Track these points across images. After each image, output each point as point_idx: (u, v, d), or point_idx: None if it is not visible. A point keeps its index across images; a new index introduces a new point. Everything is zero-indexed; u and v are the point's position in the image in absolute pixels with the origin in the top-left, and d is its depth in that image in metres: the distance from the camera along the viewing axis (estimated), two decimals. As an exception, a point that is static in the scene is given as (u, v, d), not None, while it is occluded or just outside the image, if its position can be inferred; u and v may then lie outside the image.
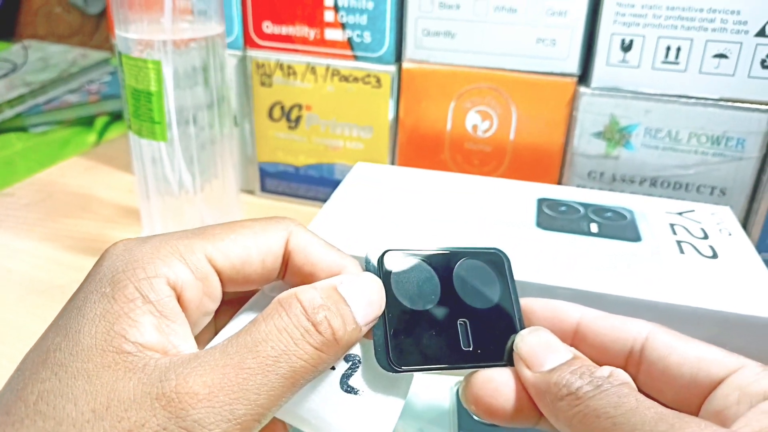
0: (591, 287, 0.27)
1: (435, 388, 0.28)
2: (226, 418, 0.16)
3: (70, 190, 0.49)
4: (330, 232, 0.31)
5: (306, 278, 0.20)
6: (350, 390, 0.20)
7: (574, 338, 0.21)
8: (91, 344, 0.17)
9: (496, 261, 0.23)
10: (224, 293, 0.20)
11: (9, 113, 0.68)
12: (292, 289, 0.19)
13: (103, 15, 0.93)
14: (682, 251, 0.30)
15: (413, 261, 0.22)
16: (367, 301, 0.19)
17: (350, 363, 0.20)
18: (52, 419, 0.16)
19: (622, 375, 0.18)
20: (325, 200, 0.35)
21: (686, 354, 0.19)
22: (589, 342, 0.21)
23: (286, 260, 0.20)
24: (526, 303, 0.22)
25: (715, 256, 0.30)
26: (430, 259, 0.22)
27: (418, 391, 0.28)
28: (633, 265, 0.29)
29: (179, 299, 0.18)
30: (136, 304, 0.17)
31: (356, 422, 0.19)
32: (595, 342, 0.20)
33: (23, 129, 0.69)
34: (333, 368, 0.20)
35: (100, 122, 0.71)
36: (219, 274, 0.19)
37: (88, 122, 0.71)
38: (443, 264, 0.22)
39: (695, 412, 0.18)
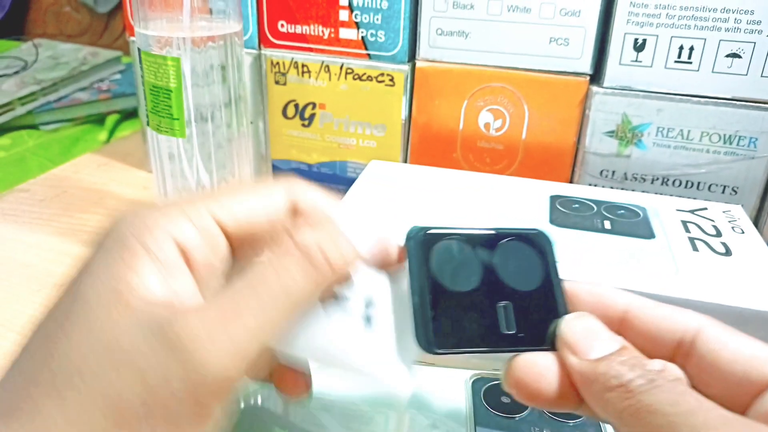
0: (605, 283, 0.27)
1: (450, 381, 0.29)
2: (228, 353, 0.16)
3: (85, 186, 0.49)
4: (345, 229, 0.31)
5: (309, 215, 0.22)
6: (369, 324, 0.20)
7: (621, 326, 0.20)
8: (96, 301, 0.17)
9: (538, 242, 0.22)
10: (236, 253, 0.20)
11: (20, 111, 0.68)
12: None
13: (113, 14, 0.94)
14: (695, 248, 0.30)
15: (454, 241, 0.21)
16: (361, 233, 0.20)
17: (366, 302, 0.21)
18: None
19: (675, 370, 0.18)
20: (337, 198, 0.35)
21: (739, 350, 0.18)
22: (636, 331, 0.20)
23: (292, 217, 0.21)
24: (571, 287, 0.21)
25: (728, 253, 0.30)
26: (471, 239, 0.21)
27: (433, 384, 0.28)
28: (647, 261, 0.29)
29: (186, 258, 0.19)
30: (141, 259, 0.17)
31: (378, 355, 0.20)
32: (642, 331, 0.20)
33: (34, 126, 0.69)
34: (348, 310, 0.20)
35: (110, 120, 0.71)
36: (226, 233, 0.19)
37: (98, 120, 0.72)
38: (484, 244, 0.21)
39: (743, 412, 0.18)
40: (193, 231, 0.19)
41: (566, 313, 0.21)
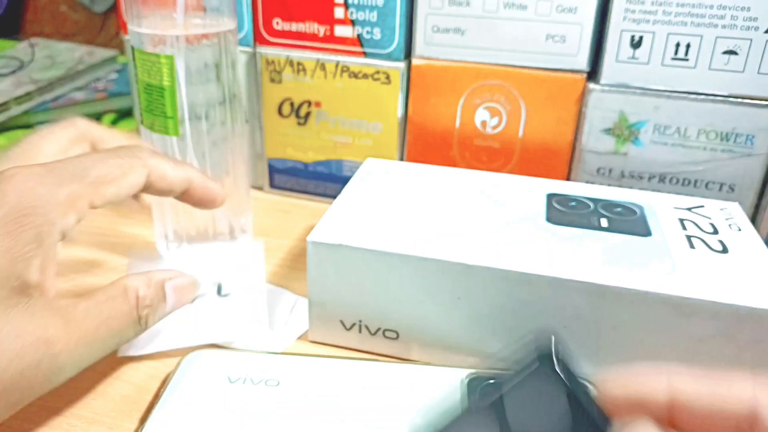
0: (601, 280, 0.27)
1: (446, 380, 0.28)
2: (75, 362, 0.24)
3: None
4: (341, 227, 0.31)
5: (163, 192, 0.29)
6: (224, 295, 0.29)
7: (670, 414, 0.18)
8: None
9: (542, 369, 0.19)
10: None
11: (16, 110, 0.68)
12: (130, 277, 0.27)
13: (109, 13, 0.94)
14: (692, 246, 0.30)
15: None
16: (181, 296, 0.29)
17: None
18: None
19: None
20: (333, 196, 0.35)
21: None
22: (688, 423, 0.17)
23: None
24: (603, 388, 0.18)
25: (725, 250, 0.30)
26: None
27: (428, 384, 0.28)
28: (643, 259, 0.29)
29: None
30: (33, 248, 0.22)
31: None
32: (696, 423, 0.17)
33: (30, 126, 0.69)
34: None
35: (107, 120, 0.71)
36: (92, 209, 0.25)
37: (95, 119, 0.71)
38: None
39: None
40: (74, 219, 0.24)
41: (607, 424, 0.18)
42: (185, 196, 0.29)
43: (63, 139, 0.28)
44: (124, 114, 0.72)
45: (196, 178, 0.28)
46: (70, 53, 0.81)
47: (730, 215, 0.34)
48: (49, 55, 0.80)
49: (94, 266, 0.40)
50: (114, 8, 0.93)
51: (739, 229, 0.32)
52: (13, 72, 0.75)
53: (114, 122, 0.71)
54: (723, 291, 0.27)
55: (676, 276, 0.28)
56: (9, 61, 0.78)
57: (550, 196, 0.35)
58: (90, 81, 0.76)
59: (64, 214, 0.23)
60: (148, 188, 0.27)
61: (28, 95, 0.69)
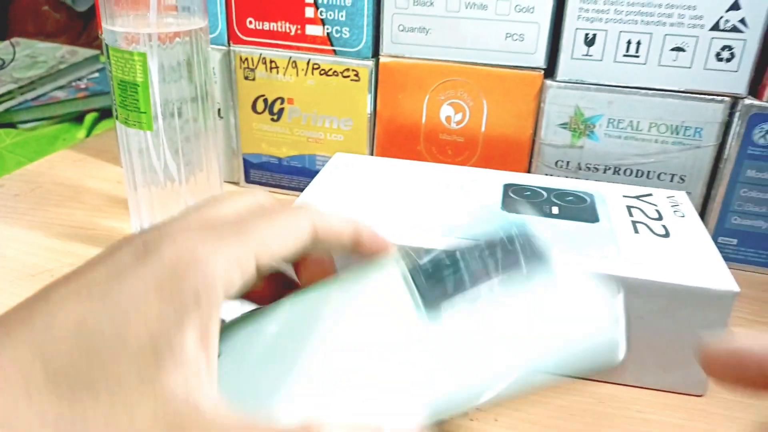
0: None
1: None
2: None
3: (60, 181, 0.50)
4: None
5: (333, 247, 0.24)
6: None
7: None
8: (135, 346, 0.17)
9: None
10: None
11: (-2, 109, 0.69)
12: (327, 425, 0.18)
13: (92, 12, 0.95)
14: (636, 231, 0.32)
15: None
16: None
17: None
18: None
19: None
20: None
21: None
22: None
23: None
24: (703, 348, 0.19)
25: (667, 235, 0.32)
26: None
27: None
28: (590, 243, 0.31)
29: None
30: (190, 312, 0.18)
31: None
32: None
33: (12, 125, 0.70)
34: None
35: (89, 118, 0.72)
36: (259, 270, 0.20)
37: (76, 118, 0.72)
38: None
39: None
40: (239, 279, 0.19)
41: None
42: (356, 247, 0.25)
43: (240, 205, 0.23)
44: (106, 113, 0.73)
45: (365, 229, 0.25)
46: (52, 52, 0.82)
47: (676, 203, 0.36)
48: (30, 54, 0.81)
49: (70, 256, 0.41)
50: (95, 8, 0.94)
51: (683, 216, 0.34)
52: (-5, 71, 0.76)
53: (95, 121, 0.72)
54: (662, 271, 0.29)
55: (620, 259, 0.30)
56: (-10, 60, 0.79)
57: (507, 187, 0.37)
58: (72, 80, 0.77)
59: (227, 275, 0.19)
60: (316, 244, 0.23)
61: (9, 94, 0.70)
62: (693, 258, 0.30)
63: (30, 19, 0.98)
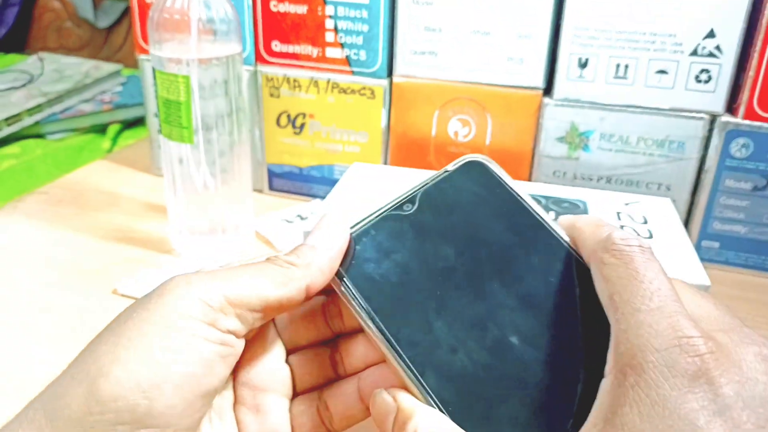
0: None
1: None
2: None
3: (98, 189, 0.55)
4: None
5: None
6: None
7: None
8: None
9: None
10: None
11: (28, 121, 0.73)
12: None
13: (112, 28, 0.99)
14: (623, 233, 0.37)
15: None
16: None
17: None
18: None
19: None
20: (324, 197, 0.41)
21: None
22: None
23: None
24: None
25: (650, 236, 0.36)
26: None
27: None
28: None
29: None
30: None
31: None
32: None
33: (41, 136, 0.75)
34: None
35: (112, 130, 0.76)
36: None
37: (101, 130, 0.77)
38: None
39: None
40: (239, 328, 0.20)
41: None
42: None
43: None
44: (129, 124, 0.78)
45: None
46: (77, 67, 0.86)
47: (660, 208, 0.40)
48: (57, 69, 0.86)
49: (114, 256, 0.45)
50: (117, 24, 0.99)
51: (667, 219, 0.39)
52: (24, 85, 0.80)
53: (119, 132, 0.76)
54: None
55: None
56: (20, 74, 0.84)
57: (510, 194, 0.41)
58: (96, 93, 0.81)
59: (216, 316, 0.19)
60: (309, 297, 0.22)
61: (38, 107, 0.75)
62: (672, 256, 0.34)
63: (53, 34, 1.03)
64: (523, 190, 0.22)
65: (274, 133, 0.52)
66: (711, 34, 0.41)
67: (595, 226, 0.20)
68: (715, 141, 0.43)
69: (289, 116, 0.51)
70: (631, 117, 0.44)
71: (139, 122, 0.78)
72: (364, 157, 0.51)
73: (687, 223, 0.46)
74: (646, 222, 0.38)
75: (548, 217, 0.22)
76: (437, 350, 0.18)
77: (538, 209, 0.22)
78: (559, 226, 0.22)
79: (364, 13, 0.47)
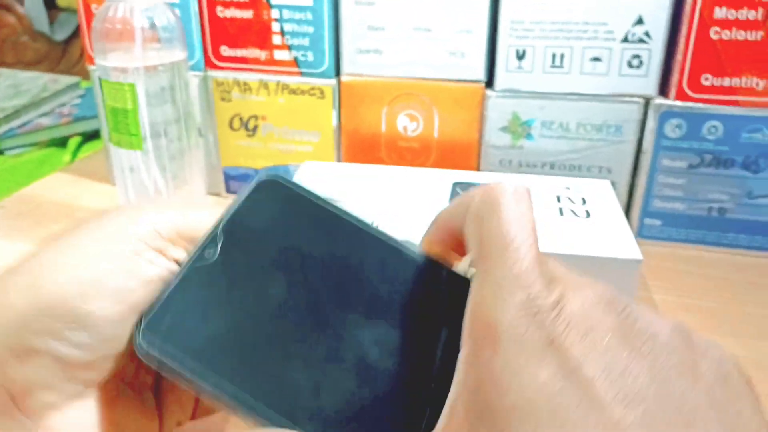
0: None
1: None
2: None
3: (56, 200, 0.55)
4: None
5: None
6: None
7: None
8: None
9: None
10: None
11: (-15, 137, 0.73)
12: None
13: (69, 41, 0.99)
14: (561, 213, 0.38)
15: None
16: None
17: None
18: None
19: None
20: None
21: None
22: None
23: None
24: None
25: (588, 216, 0.38)
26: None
27: None
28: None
29: None
30: None
31: None
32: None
33: (0, 152, 0.74)
34: None
35: (73, 143, 0.76)
36: None
37: (61, 143, 0.77)
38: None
39: None
40: None
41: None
42: None
43: None
44: (89, 137, 0.78)
45: None
46: (34, 81, 0.86)
47: (599, 189, 0.42)
48: (13, 84, 0.85)
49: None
50: (74, 36, 0.98)
51: (605, 200, 0.40)
52: (-20, 102, 0.80)
53: (80, 145, 0.76)
54: (582, 246, 0.35)
55: (546, 238, 0.35)
56: (-25, 91, 0.83)
57: (456, 184, 0.42)
58: (55, 107, 0.81)
59: (164, 245, 0.20)
60: None
61: (-5, 123, 0.74)
62: (607, 234, 0.36)
63: (9, 49, 1.02)
64: (328, 197, 0.21)
65: (228, 137, 0.53)
66: (640, 21, 0.43)
67: (466, 196, 0.20)
68: (651, 123, 0.45)
69: (241, 119, 0.52)
70: (569, 104, 0.46)
71: (99, 134, 0.78)
72: (318, 156, 0.52)
73: (629, 202, 0.48)
74: (585, 203, 0.40)
75: (364, 219, 0.20)
76: (300, 394, 0.17)
77: (349, 214, 0.20)
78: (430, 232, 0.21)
79: (309, 15, 0.48)
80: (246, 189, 0.20)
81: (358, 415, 0.16)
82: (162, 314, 0.18)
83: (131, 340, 0.19)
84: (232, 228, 0.19)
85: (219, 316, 0.18)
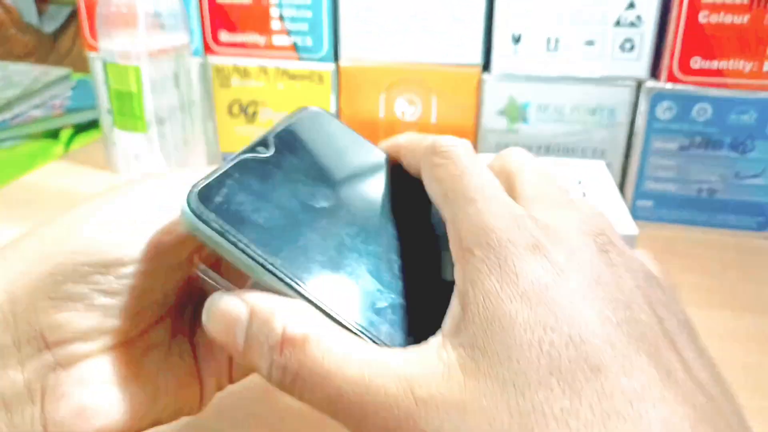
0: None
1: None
2: None
3: (55, 189, 0.55)
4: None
5: None
6: None
7: None
8: None
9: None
10: None
11: (-23, 129, 0.73)
12: None
13: (59, 33, 0.98)
14: (559, 192, 0.39)
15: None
16: None
17: None
18: None
19: None
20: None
21: None
22: None
23: None
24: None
25: (584, 195, 0.39)
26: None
27: None
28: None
29: None
30: None
31: None
32: None
33: (-8, 144, 0.74)
34: None
35: (65, 134, 0.76)
36: None
37: (53, 135, 0.76)
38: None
39: None
40: None
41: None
42: None
43: None
44: (82, 128, 0.78)
45: None
46: (26, 73, 0.85)
47: (594, 170, 0.43)
48: (4, 76, 0.85)
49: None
50: (63, 28, 0.98)
51: (599, 180, 0.42)
52: (-29, 94, 0.79)
53: (72, 136, 0.76)
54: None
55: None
56: (-35, 83, 0.82)
57: (455, 165, 0.43)
58: (47, 99, 0.81)
59: None
60: None
61: (-14, 115, 0.74)
62: (604, 210, 0.37)
63: (-3, 42, 1.01)
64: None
65: (227, 123, 0.54)
66: (631, 5, 0.44)
67: (417, 138, 0.22)
68: (642, 105, 0.47)
69: (240, 105, 0.53)
70: (563, 88, 0.47)
71: (91, 126, 0.78)
72: (317, 141, 0.52)
73: (622, 184, 0.50)
74: (580, 183, 0.41)
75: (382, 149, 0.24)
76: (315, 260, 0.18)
77: (374, 146, 0.24)
78: (385, 149, 0.24)
79: (308, 0, 0.48)
80: (293, 113, 0.23)
81: (395, 306, 0.18)
82: (212, 187, 0.18)
83: (166, 299, 0.20)
84: (282, 137, 0.21)
85: (267, 199, 0.19)
